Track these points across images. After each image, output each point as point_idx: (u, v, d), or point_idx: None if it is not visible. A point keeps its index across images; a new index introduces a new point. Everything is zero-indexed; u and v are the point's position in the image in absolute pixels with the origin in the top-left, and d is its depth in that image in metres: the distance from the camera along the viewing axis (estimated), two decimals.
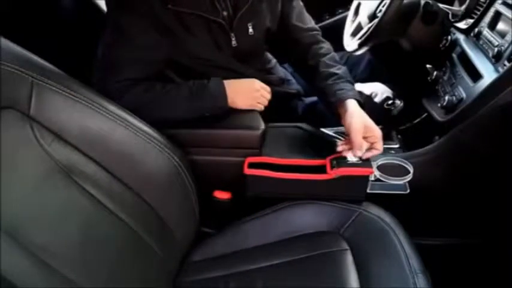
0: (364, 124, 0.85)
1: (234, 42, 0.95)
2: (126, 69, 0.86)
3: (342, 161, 0.86)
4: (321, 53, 1.01)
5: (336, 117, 0.92)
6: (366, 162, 0.85)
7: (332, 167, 0.85)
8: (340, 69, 0.97)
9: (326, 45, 1.05)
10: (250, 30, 0.96)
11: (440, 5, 1.08)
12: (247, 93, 0.93)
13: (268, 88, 0.98)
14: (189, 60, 0.94)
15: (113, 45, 0.87)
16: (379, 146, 0.86)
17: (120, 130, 0.75)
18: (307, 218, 0.87)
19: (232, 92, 0.91)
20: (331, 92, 0.92)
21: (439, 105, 0.93)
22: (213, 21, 0.90)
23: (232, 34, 0.94)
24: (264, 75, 1.08)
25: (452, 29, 1.08)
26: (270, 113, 0.97)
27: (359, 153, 0.84)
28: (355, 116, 0.86)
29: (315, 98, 1.15)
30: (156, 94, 0.87)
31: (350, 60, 1.33)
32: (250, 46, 0.99)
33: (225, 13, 0.93)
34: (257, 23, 0.97)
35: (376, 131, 0.85)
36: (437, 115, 0.93)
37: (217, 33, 0.93)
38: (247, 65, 1.02)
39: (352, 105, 0.88)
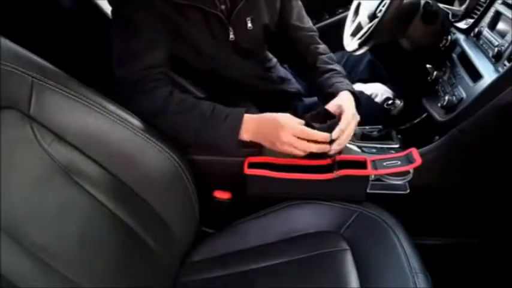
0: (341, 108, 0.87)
1: (231, 36, 0.96)
2: (143, 58, 0.87)
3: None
4: (319, 51, 1.05)
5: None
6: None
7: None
8: (338, 67, 1.02)
9: (323, 46, 1.08)
10: (249, 25, 0.97)
11: (440, 5, 1.08)
12: (270, 141, 0.85)
13: (304, 134, 0.83)
14: (191, 57, 0.94)
15: (122, 37, 0.89)
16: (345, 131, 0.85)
17: (120, 130, 0.75)
18: (307, 218, 0.87)
19: (251, 133, 0.85)
20: (329, 84, 0.96)
21: (439, 105, 0.92)
22: (211, 13, 0.91)
23: (230, 28, 0.95)
24: (266, 72, 1.09)
25: (452, 29, 1.07)
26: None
27: (342, 125, 0.84)
28: (349, 100, 0.90)
29: (315, 99, 1.15)
30: (177, 108, 0.85)
31: (350, 60, 1.33)
32: (249, 41, 1.00)
33: (222, 6, 0.94)
34: (256, 18, 0.98)
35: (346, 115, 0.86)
36: (437, 115, 0.93)
37: (214, 26, 0.93)
38: (249, 63, 1.02)
39: (346, 94, 0.92)
